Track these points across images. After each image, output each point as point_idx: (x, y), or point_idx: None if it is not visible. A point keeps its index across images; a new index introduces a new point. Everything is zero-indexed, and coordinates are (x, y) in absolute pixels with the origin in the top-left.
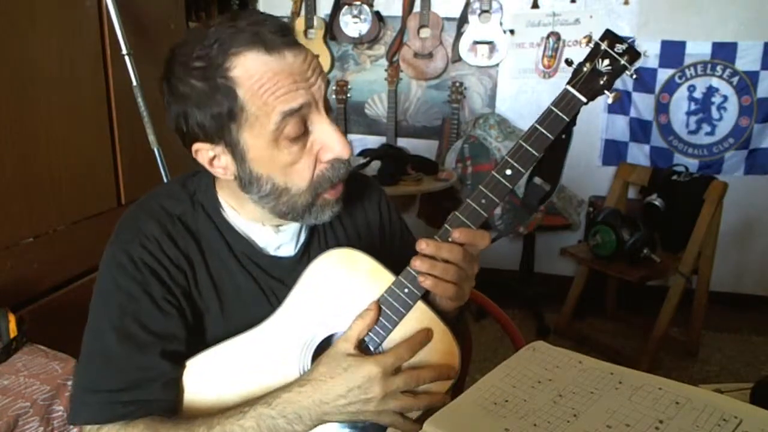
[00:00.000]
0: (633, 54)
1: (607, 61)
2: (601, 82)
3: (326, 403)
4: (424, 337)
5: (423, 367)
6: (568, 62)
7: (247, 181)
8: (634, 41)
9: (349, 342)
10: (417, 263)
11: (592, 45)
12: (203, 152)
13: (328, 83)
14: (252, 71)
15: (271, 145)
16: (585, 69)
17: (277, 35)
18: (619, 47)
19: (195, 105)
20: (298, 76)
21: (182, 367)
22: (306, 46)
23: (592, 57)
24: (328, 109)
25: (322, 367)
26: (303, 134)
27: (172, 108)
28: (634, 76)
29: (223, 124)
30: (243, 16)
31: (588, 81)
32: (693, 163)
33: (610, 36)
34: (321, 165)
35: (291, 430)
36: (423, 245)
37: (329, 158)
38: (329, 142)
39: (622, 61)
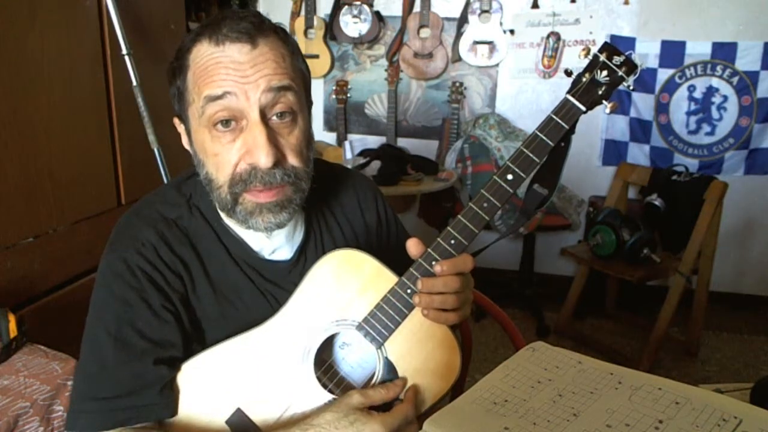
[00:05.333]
0: (630, 66)
1: (605, 72)
2: (600, 92)
3: None
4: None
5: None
6: (568, 72)
7: (196, 162)
8: (631, 54)
9: (364, 398)
10: (416, 300)
11: (591, 57)
12: (178, 126)
13: (283, 90)
14: (198, 58)
15: (204, 130)
16: (584, 79)
17: (233, 30)
18: (617, 59)
19: (168, 82)
20: (233, 69)
21: (179, 370)
22: (305, 46)
23: (591, 68)
24: (265, 117)
25: (328, 414)
26: (233, 129)
27: None
28: (632, 88)
29: (178, 102)
30: (229, 10)
31: (587, 91)
32: (693, 163)
33: (608, 48)
34: (242, 165)
35: None
36: (419, 284)
37: (249, 162)
38: (251, 146)
39: (620, 73)
